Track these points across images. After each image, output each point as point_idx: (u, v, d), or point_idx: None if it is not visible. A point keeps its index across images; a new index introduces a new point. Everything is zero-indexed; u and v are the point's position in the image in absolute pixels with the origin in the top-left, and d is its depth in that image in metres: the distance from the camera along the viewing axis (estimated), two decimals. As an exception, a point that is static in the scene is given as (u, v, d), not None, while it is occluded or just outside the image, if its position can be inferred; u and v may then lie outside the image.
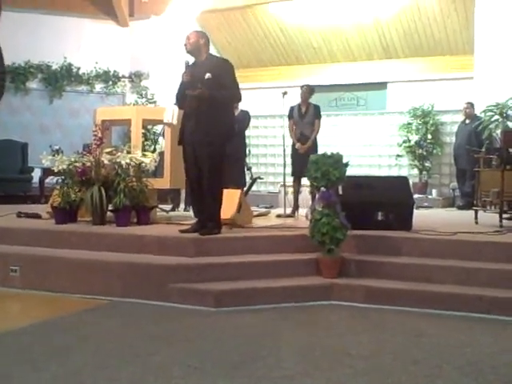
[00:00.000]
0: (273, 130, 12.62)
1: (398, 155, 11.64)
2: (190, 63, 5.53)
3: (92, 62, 12.22)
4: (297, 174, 7.89)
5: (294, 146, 7.95)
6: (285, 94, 7.73)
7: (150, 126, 10.88)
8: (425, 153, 11.28)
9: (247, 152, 8.53)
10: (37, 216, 6.94)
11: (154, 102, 11.88)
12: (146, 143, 10.31)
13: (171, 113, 6.35)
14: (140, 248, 5.42)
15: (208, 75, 5.39)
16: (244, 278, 5.01)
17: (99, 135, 6.37)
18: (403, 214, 5.84)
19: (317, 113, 7.98)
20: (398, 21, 11.59)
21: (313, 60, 12.98)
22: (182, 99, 5.63)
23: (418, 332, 4.02)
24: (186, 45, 5.54)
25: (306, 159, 7.16)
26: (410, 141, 11.40)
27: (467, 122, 9.98)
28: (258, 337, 3.88)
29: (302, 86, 8.04)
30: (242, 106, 8.13)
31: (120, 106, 11.62)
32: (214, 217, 5.56)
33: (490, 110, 9.35)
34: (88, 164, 6.27)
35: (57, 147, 6.64)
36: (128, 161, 6.18)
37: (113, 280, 5.04)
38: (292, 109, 7.97)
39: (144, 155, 6.42)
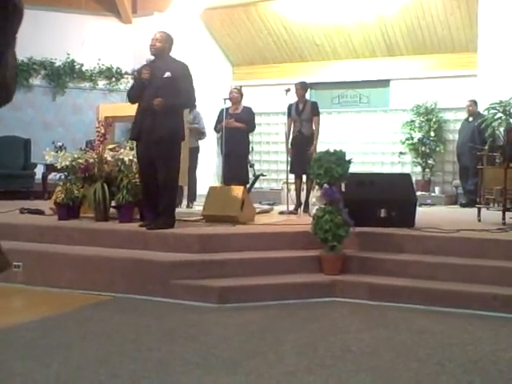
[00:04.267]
0: (276, 127, 12.62)
1: (401, 152, 11.62)
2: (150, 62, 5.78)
3: (95, 58, 12.22)
4: (298, 172, 7.88)
5: (292, 143, 7.92)
6: (288, 91, 7.71)
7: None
8: (428, 150, 11.26)
9: (250, 149, 8.53)
10: (40, 212, 6.96)
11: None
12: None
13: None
14: (143, 244, 5.43)
15: (168, 74, 5.64)
16: (247, 274, 5.02)
17: (102, 132, 6.38)
18: (406, 211, 5.84)
19: (314, 110, 7.94)
20: (401, 18, 11.56)
21: (315, 57, 12.95)
22: (135, 95, 5.81)
23: (420, 329, 4.02)
24: (154, 47, 5.76)
25: (304, 157, 7.19)
26: (412, 138, 11.38)
27: (470, 119, 9.96)
28: (260, 333, 3.89)
29: (295, 85, 8.01)
30: (244, 102, 8.14)
31: (123, 103, 11.60)
32: (168, 210, 5.67)
33: (494, 108, 9.32)
34: (91, 160, 6.28)
35: (60, 143, 6.65)
36: (131, 157, 6.18)
37: (116, 276, 5.05)
38: (290, 106, 7.95)
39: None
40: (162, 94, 5.56)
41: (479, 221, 6.55)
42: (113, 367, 3.17)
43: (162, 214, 5.64)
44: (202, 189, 8.23)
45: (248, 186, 7.94)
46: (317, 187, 5.42)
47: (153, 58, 5.79)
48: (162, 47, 5.75)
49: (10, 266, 1.06)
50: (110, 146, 6.38)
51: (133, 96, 5.87)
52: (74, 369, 3.16)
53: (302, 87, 8.00)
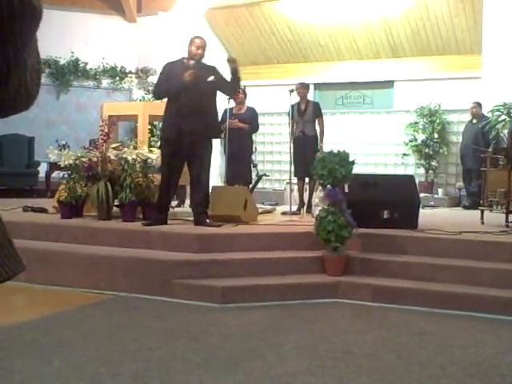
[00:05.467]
0: (279, 128, 12.59)
1: (405, 154, 11.60)
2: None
3: (99, 57, 12.22)
4: (301, 176, 7.86)
5: (294, 144, 7.88)
6: (291, 91, 7.69)
7: (156, 122, 10.88)
8: (431, 152, 11.23)
9: (253, 149, 8.53)
10: (43, 210, 6.96)
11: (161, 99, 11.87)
12: (152, 139, 10.30)
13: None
14: (145, 243, 5.43)
15: (211, 78, 5.87)
16: (249, 274, 5.02)
17: (106, 130, 6.38)
18: (409, 212, 5.83)
19: (317, 110, 7.93)
20: (406, 19, 11.54)
21: (319, 58, 12.93)
22: (171, 93, 5.87)
23: (422, 331, 4.02)
24: (199, 54, 5.93)
25: (307, 159, 7.17)
26: (416, 140, 11.35)
27: (474, 121, 9.93)
28: (261, 333, 3.89)
29: (296, 85, 7.98)
30: (248, 102, 8.13)
31: (127, 102, 11.63)
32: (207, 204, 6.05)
33: (498, 110, 9.31)
34: (94, 159, 6.28)
35: (63, 142, 6.67)
36: (134, 156, 6.18)
37: (118, 275, 5.05)
38: (292, 107, 7.91)
39: (150, 151, 6.43)
40: (207, 97, 5.86)
41: (482, 223, 6.53)
42: (114, 366, 3.17)
43: (201, 207, 5.90)
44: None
45: (251, 186, 7.93)
46: (320, 188, 5.41)
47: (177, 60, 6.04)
48: (204, 54, 6.00)
49: (23, 269, 1.06)
50: (114, 145, 6.38)
51: (167, 93, 5.93)
52: (76, 367, 3.16)
53: (304, 87, 8.00)
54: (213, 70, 6.03)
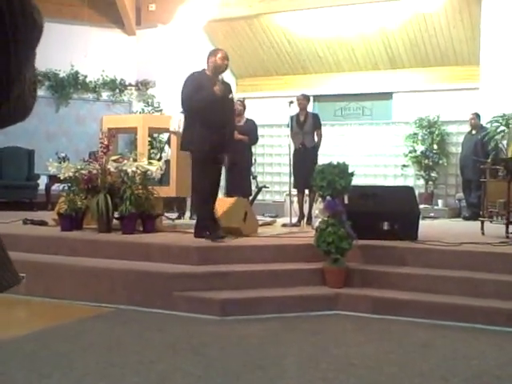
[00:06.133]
0: (278, 139, 12.61)
1: (404, 165, 11.62)
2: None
3: (99, 70, 12.26)
4: (301, 187, 7.86)
5: (294, 156, 7.90)
6: (291, 103, 7.73)
7: (156, 135, 10.90)
8: (431, 163, 11.26)
9: (253, 161, 8.53)
10: (43, 223, 6.95)
11: (161, 111, 11.90)
12: (152, 151, 10.32)
13: (177, 121, 6.39)
14: (145, 256, 5.42)
15: (231, 95, 5.99)
16: (249, 286, 5.01)
17: (105, 143, 6.39)
18: (409, 224, 5.83)
19: (317, 122, 7.97)
20: (404, 31, 11.60)
21: (318, 69, 12.99)
22: (204, 106, 5.64)
23: (423, 343, 4.00)
24: (226, 64, 5.96)
25: (307, 171, 7.19)
26: (415, 151, 11.38)
27: (473, 132, 9.96)
28: (262, 346, 3.87)
29: (297, 97, 8.03)
30: (247, 114, 8.14)
31: (126, 114, 11.64)
32: None
33: (496, 121, 9.33)
34: (94, 171, 6.28)
35: (63, 154, 6.68)
36: (134, 169, 6.19)
37: (118, 287, 5.04)
38: (291, 119, 7.93)
39: (150, 163, 6.44)
40: (228, 113, 5.90)
41: (482, 234, 6.53)
42: (115, 379, 3.16)
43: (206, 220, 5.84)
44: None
45: (251, 198, 7.93)
46: (319, 199, 5.41)
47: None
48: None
49: (18, 282, 1.06)
50: (114, 157, 6.39)
51: (202, 105, 5.64)
52: (75, 381, 3.14)
53: (305, 98, 8.05)
54: (230, 88, 6.04)
